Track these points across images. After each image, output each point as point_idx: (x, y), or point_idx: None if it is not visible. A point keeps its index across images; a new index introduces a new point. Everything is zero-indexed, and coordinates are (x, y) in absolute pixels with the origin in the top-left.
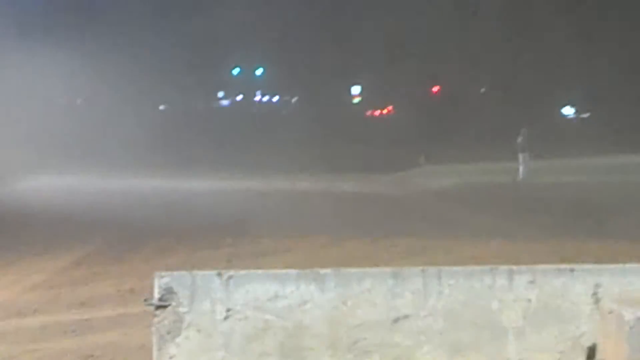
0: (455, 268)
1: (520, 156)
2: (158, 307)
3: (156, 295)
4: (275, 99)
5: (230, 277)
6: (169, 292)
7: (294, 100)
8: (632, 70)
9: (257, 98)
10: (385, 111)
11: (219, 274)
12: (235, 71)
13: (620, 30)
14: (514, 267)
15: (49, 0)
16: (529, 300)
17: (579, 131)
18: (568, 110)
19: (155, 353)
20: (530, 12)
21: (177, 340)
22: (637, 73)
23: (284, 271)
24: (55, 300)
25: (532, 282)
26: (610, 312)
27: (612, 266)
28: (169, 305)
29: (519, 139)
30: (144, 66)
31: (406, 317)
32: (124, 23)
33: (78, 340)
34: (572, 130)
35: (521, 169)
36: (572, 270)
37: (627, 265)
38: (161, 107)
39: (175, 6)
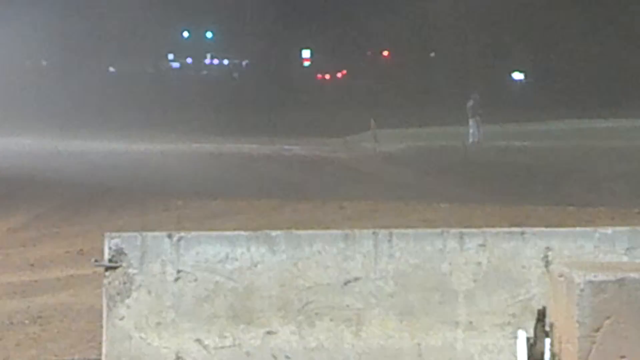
0: (406, 231)
1: (471, 120)
2: (108, 268)
3: (106, 256)
4: (226, 62)
5: (180, 239)
6: (119, 253)
7: (244, 63)
8: (582, 35)
9: (207, 61)
10: (339, 75)
11: (170, 236)
12: (185, 34)
13: None
14: (465, 230)
15: None
16: (480, 264)
17: (528, 96)
18: (517, 76)
19: (105, 314)
20: None
21: (127, 301)
22: (587, 38)
23: (234, 233)
24: (3, 261)
25: (482, 245)
26: (561, 276)
27: (562, 230)
28: (119, 266)
29: (470, 104)
30: (93, 28)
31: (357, 279)
32: None
33: (27, 301)
34: (521, 95)
35: (471, 132)
36: (522, 233)
37: (577, 229)
38: (111, 69)
39: None
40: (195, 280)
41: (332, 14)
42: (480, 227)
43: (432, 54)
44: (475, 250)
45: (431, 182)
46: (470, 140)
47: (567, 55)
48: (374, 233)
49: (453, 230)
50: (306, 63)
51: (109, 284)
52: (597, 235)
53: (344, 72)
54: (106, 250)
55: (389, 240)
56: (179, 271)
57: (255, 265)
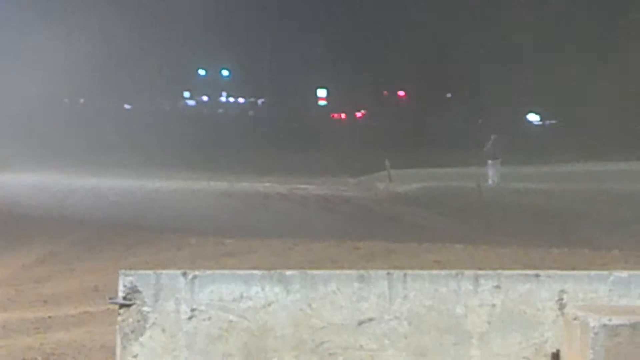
0: (420, 272)
1: (490, 162)
2: (122, 306)
3: (120, 293)
4: (241, 100)
5: (195, 277)
6: (133, 290)
7: (260, 102)
8: (597, 79)
9: (223, 99)
10: (358, 115)
11: (184, 274)
12: (202, 72)
13: (587, 40)
14: (480, 272)
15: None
16: (494, 306)
17: (544, 138)
18: (533, 117)
19: (118, 352)
20: (494, 18)
21: (141, 339)
22: (603, 82)
23: (249, 272)
24: (18, 297)
25: (497, 287)
26: (575, 319)
27: (577, 273)
28: (133, 304)
29: (488, 145)
30: (111, 65)
31: (371, 320)
32: (91, 20)
33: (40, 338)
34: (539, 137)
35: (490, 174)
36: (537, 276)
37: (592, 272)
38: (126, 106)
39: (144, 6)
40: (209, 319)
41: (348, 54)
42: (494, 269)
43: (449, 95)
44: (489, 292)
45: (446, 223)
46: (490, 182)
47: (584, 98)
48: (388, 274)
49: (467, 272)
50: (322, 102)
51: (123, 322)
52: (612, 278)
53: (364, 112)
54: (120, 288)
55: (404, 281)
56: (193, 309)
57: (269, 305)
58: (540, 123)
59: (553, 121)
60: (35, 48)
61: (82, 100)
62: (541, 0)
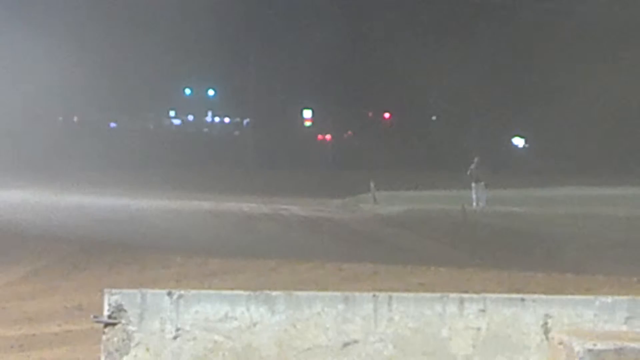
0: (406, 294)
1: (473, 185)
2: (107, 325)
3: (105, 312)
4: (227, 120)
5: (180, 297)
6: (118, 309)
7: (245, 122)
8: (581, 104)
9: (209, 119)
10: (347, 134)
11: (169, 293)
12: (187, 91)
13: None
14: (465, 295)
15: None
16: (479, 329)
17: (528, 162)
18: (518, 141)
19: None
20: (481, 42)
21: (125, 358)
22: (585, 108)
23: (234, 292)
24: (1, 314)
25: (482, 310)
26: (560, 343)
27: (562, 297)
28: (118, 322)
29: (472, 168)
30: (96, 83)
31: (356, 342)
32: (78, 38)
33: (23, 356)
34: (524, 161)
35: (474, 197)
36: (522, 300)
37: (577, 297)
38: (112, 125)
39: (131, 25)
40: (194, 338)
41: (334, 75)
42: (479, 292)
43: (434, 118)
44: (475, 316)
45: (430, 246)
46: (474, 205)
47: (568, 121)
48: (374, 296)
49: (453, 295)
50: (307, 123)
51: (108, 341)
52: (597, 303)
53: (350, 132)
54: (105, 307)
55: (389, 304)
56: (178, 329)
57: (254, 325)
58: (526, 146)
59: (537, 146)
60: (24, 66)
61: (75, 119)
62: (526, 23)
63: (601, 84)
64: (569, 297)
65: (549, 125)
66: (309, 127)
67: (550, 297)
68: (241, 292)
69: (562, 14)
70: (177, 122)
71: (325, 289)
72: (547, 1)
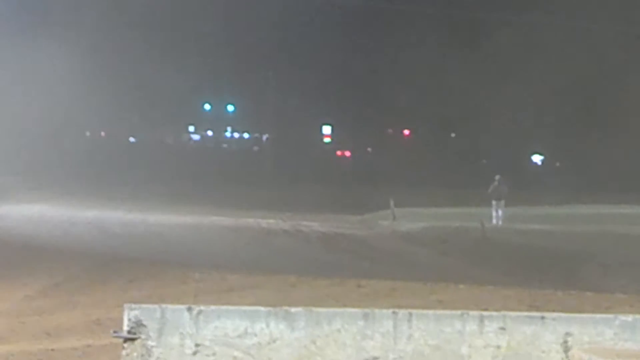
0: (426, 311)
1: (494, 203)
2: (127, 340)
3: (125, 327)
4: (246, 136)
5: (200, 312)
6: (138, 324)
7: (264, 137)
8: (602, 121)
9: (228, 134)
10: (368, 151)
11: (189, 309)
12: (207, 107)
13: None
14: (485, 313)
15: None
16: (499, 347)
17: (548, 179)
18: (537, 159)
19: None
20: (501, 60)
21: None
22: (606, 125)
23: (254, 308)
24: (20, 329)
25: (502, 328)
26: None
27: (582, 315)
28: (138, 338)
29: (493, 186)
30: (115, 97)
31: (375, 359)
32: (99, 53)
33: None
34: (542, 178)
35: (494, 215)
36: (542, 318)
37: (597, 315)
38: (131, 139)
39: (150, 40)
40: (214, 354)
41: (354, 92)
42: (498, 309)
43: (453, 135)
44: (495, 334)
45: (449, 263)
46: (493, 222)
47: (588, 139)
48: (393, 313)
49: (473, 313)
50: (327, 139)
51: (127, 356)
52: (617, 322)
53: (369, 149)
54: (125, 322)
55: (409, 321)
56: (197, 345)
57: (274, 341)
58: (545, 164)
59: (557, 163)
60: (41, 78)
61: (103, 134)
62: (544, 44)
63: (623, 101)
64: (589, 315)
65: (568, 143)
66: (328, 143)
67: (570, 315)
68: (261, 308)
69: (583, 32)
70: (196, 137)
71: (344, 305)
72: (571, 20)
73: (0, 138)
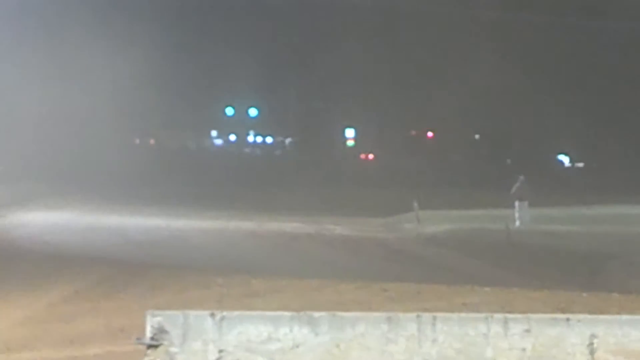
0: (450, 315)
1: (517, 204)
2: (150, 347)
3: (148, 334)
4: (269, 140)
5: (223, 318)
6: (161, 331)
7: (287, 141)
8: (627, 122)
9: (250, 138)
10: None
11: (212, 315)
12: (229, 111)
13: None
14: (509, 315)
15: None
16: (524, 349)
17: (573, 180)
18: (563, 159)
19: None
20: (527, 60)
21: None
22: (632, 126)
23: (277, 313)
24: (43, 336)
25: (527, 330)
26: None
27: (608, 317)
28: (161, 344)
29: (516, 186)
30: (136, 101)
31: None
32: (119, 56)
33: None
34: (568, 179)
35: (517, 216)
36: (567, 320)
37: (623, 317)
38: (152, 142)
39: (172, 44)
40: None
41: (377, 94)
42: (523, 312)
43: (477, 136)
44: (519, 336)
45: (474, 265)
46: (517, 223)
47: (614, 138)
48: (417, 316)
49: (497, 315)
50: (350, 143)
51: None
52: None
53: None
54: (148, 328)
55: (433, 324)
56: (220, 350)
57: (298, 346)
58: (570, 165)
59: (581, 164)
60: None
61: (137, 141)
62: (569, 44)
63: None
64: (615, 317)
65: (594, 143)
66: (351, 146)
67: (595, 317)
68: (284, 313)
69: (609, 33)
70: (218, 142)
71: (368, 309)
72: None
73: (29, 144)
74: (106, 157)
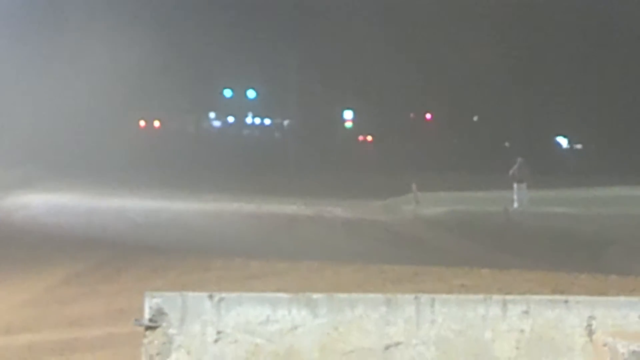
0: (448, 296)
1: (515, 186)
2: (148, 328)
3: (146, 315)
4: (267, 122)
5: (221, 300)
6: (159, 312)
7: (285, 123)
8: (626, 104)
9: (249, 120)
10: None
11: (210, 296)
12: (227, 93)
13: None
14: (508, 297)
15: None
16: (523, 331)
17: (572, 162)
18: (561, 141)
19: None
20: (527, 42)
21: None
22: (630, 108)
23: (275, 295)
24: (43, 318)
25: (526, 312)
26: (605, 345)
27: (606, 298)
28: (159, 326)
29: (514, 169)
30: (134, 84)
31: (398, 344)
32: (117, 41)
33: None
34: (566, 161)
35: (516, 198)
36: (566, 301)
37: (621, 298)
38: (157, 124)
39: (169, 26)
40: (236, 341)
41: (375, 76)
42: (522, 293)
43: (475, 118)
44: (518, 318)
45: (472, 247)
46: (515, 205)
47: (613, 120)
48: (415, 298)
49: (496, 297)
50: (348, 124)
51: (149, 344)
52: None
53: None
54: (146, 310)
55: (431, 306)
56: (219, 332)
57: (296, 328)
58: (568, 146)
59: (579, 145)
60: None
61: (141, 122)
62: (569, 23)
63: None
64: (613, 298)
65: (593, 124)
66: (349, 128)
67: (594, 298)
68: (283, 294)
69: (611, 14)
70: (217, 124)
71: (367, 291)
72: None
73: (28, 127)
74: (106, 140)
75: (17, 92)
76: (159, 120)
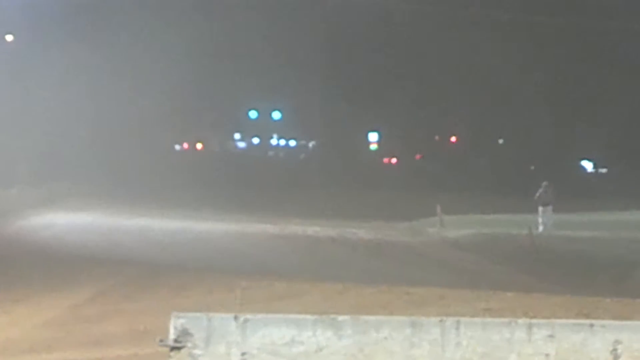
0: (473, 319)
1: (541, 209)
2: (173, 349)
3: (172, 336)
4: (293, 143)
5: (246, 321)
6: (184, 333)
7: (311, 144)
8: None
9: (274, 141)
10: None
11: (236, 317)
12: (253, 114)
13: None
14: (533, 321)
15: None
16: (548, 355)
17: (597, 186)
18: (586, 165)
19: None
20: (553, 66)
21: None
22: None
23: (300, 316)
24: (67, 337)
25: (551, 336)
26: None
27: (632, 323)
28: (184, 346)
29: (540, 192)
30: (159, 105)
31: None
32: (145, 60)
33: None
34: (591, 185)
35: (541, 221)
36: (591, 325)
37: None
38: (177, 147)
39: (196, 48)
40: None
41: (401, 98)
42: (546, 317)
43: (501, 141)
44: (543, 341)
45: (497, 270)
46: (541, 229)
47: (637, 144)
48: (441, 321)
49: (521, 320)
50: (373, 146)
51: None
52: None
53: (419, 156)
54: (172, 330)
55: (457, 329)
56: (243, 353)
57: (321, 350)
58: (593, 170)
59: (604, 169)
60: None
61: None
62: (596, 48)
63: None
64: (639, 322)
65: (618, 148)
66: (374, 150)
67: (619, 322)
68: (308, 316)
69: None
70: (242, 145)
71: (392, 313)
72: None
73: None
74: (132, 160)
75: (47, 111)
76: (188, 142)
